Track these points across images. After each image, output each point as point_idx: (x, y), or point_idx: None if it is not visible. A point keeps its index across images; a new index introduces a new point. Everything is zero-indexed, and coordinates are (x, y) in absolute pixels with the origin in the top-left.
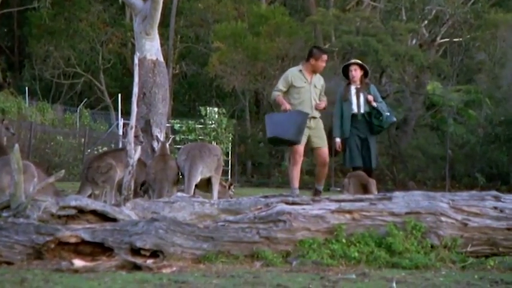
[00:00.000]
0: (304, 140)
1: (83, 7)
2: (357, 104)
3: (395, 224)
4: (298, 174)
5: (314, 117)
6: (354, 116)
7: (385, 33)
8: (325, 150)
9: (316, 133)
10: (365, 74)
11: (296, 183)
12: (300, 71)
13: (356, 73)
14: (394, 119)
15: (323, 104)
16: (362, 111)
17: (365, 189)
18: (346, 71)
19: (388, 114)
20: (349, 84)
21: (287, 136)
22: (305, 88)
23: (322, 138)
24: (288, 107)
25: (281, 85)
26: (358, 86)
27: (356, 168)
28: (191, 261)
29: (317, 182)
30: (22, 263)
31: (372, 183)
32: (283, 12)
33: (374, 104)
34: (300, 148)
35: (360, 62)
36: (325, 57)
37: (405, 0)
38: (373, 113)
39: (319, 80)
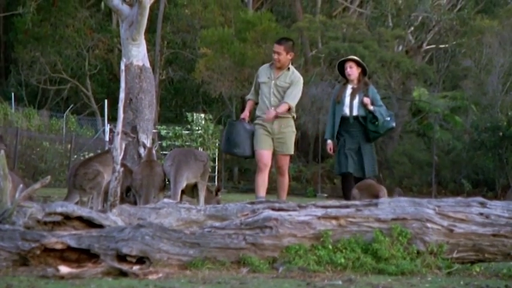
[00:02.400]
0: (270, 145)
1: (69, 13)
2: (350, 106)
3: (381, 230)
4: (263, 182)
5: (277, 117)
6: (345, 119)
7: (372, 39)
8: (282, 157)
9: (280, 138)
10: (363, 72)
11: (261, 192)
12: (270, 65)
13: (352, 70)
14: (393, 125)
15: (268, 117)
16: (355, 114)
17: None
18: (342, 69)
19: (389, 119)
20: (346, 83)
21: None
22: (266, 84)
23: (285, 143)
24: (243, 115)
25: (253, 84)
26: (356, 86)
27: (346, 175)
28: (177, 267)
29: (278, 195)
30: (7, 270)
31: (382, 191)
32: (270, 18)
33: (370, 107)
34: (263, 155)
35: (356, 58)
36: (275, 46)
37: (391, 6)
38: (368, 117)
39: (288, 77)
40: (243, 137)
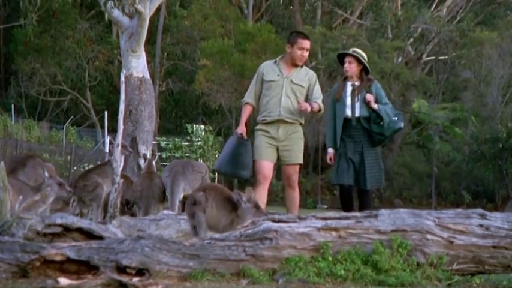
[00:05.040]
0: (272, 156)
1: (69, 24)
2: (352, 105)
3: (381, 242)
4: (260, 197)
5: (285, 122)
6: (347, 120)
7: (371, 50)
8: (290, 167)
9: (286, 145)
10: (365, 71)
11: None
12: (275, 62)
13: (350, 66)
14: (401, 125)
15: (304, 106)
16: (357, 114)
17: None
18: (342, 61)
19: (396, 118)
20: (345, 79)
21: (221, 168)
22: (276, 82)
23: (293, 152)
24: (240, 130)
25: (252, 85)
26: (356, 84)
27: (344, 187)
28: (177, 279)
29: (288, 210)
30: (7, 282)
31: None
32: (269, 29)
33: (374, 105)
34: (264, 167)
35: (357, 54)
36: (304, 42)
37: (391, 18)
38: (372, 117)
39: (304, 75)
40: (250, 158)
